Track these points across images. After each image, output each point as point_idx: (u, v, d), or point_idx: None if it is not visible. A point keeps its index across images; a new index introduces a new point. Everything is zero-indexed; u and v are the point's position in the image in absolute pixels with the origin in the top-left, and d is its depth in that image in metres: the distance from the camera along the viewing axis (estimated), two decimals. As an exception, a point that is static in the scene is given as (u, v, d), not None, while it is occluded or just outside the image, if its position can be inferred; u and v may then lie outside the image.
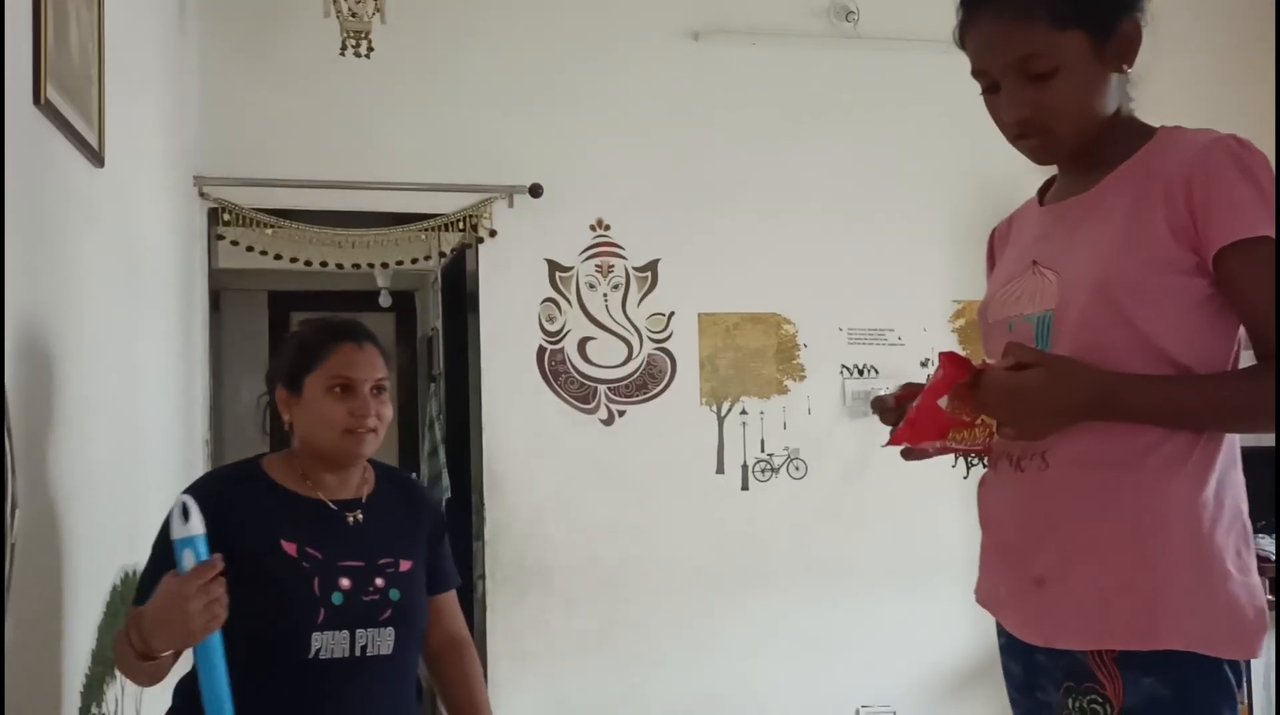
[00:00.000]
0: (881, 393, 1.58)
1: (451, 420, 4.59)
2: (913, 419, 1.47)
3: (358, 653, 1.68)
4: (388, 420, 1.82)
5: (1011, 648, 1.54)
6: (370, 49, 3.28)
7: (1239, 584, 1.38)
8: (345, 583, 1.71)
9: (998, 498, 1.52)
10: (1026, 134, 1.47)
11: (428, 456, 4.76)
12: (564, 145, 3.90)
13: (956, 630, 4.04)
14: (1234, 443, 1.45)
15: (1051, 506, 1.43)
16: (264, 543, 1.66)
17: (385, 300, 5.20)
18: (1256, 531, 4.36)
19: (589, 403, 3.90)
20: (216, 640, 1.49)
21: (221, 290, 3.87)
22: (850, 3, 4.06)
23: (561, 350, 3.88)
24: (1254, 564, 1.43)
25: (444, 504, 4.58)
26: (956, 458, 3.96)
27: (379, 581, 1.75)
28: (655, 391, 3.95)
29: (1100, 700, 1.37)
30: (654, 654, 3.88)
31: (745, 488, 4.01)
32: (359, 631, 1.69)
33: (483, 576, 3.88)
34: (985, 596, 1.59)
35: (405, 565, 1.81)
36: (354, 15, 3.10)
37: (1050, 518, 1.43)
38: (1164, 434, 1.38)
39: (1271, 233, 1.33)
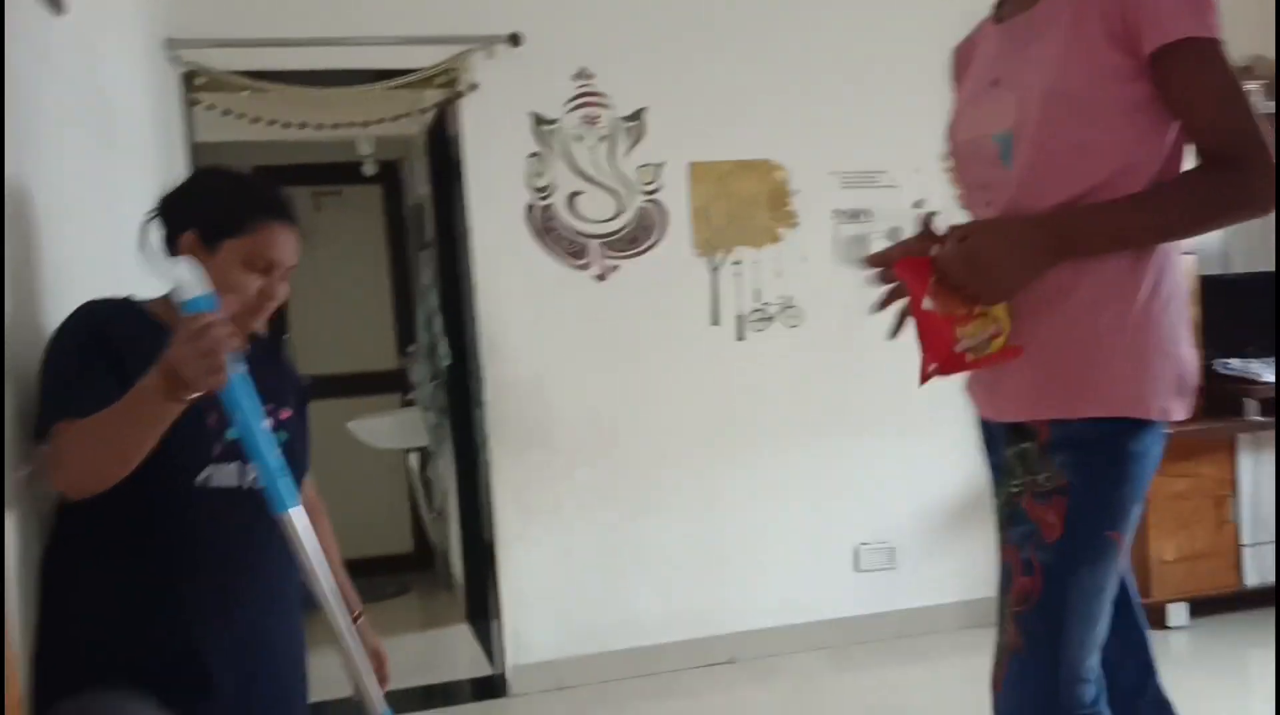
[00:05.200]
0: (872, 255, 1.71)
1: (445, 287, 4.57)
2: (923, 343, 1.59)
3: (246, 485, 1.67)
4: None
5: (980, 422, 1.79)
6: (335, -106, 3.15)
7: (1168, 355, 1.55)
8: None
9: None
10: None
11: (424, 325, 4.76)
12: (543, -10, 3.78)
13: (952, 468, 4.10)
14: None
15: (1016, 302, 1.57)
16: None
17: (370, 169, 5.12)
18: (1246, 356, 4.38)
19: (581, 259, 3.87)
20: (240, 377, 1.50)
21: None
22: None
23: (551, 206, 3.84)
24: (1186, 340, 1.59)
25: (444, 371, 4.60)
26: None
27: (267, 422, 1.72)
28: (648, 245, 3.92)
29: (1032, 441, 1.59)
30: (657, 504, 3.94)
31: (741, 338, 4.01)
32: (248, 466, 1.67)
33: (485, 441, 3.91)
34: (968, 387, 1.79)
35: (285, 413, 1.81)
36: None
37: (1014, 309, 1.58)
38: None
39: (1197, 33, 1.43)
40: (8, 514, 1.45)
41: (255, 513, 1.66)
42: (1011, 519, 1.63)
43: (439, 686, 4.13)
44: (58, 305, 1.74)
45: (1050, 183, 1.53)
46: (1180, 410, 1.57)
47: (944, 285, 1.54)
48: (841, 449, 4.07)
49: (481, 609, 4.32)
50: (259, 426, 1.55)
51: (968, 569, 4.14)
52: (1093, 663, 1.57)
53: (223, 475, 1.65)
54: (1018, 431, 1.62)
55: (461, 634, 4.68)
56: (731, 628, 3.99)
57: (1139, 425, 1.53)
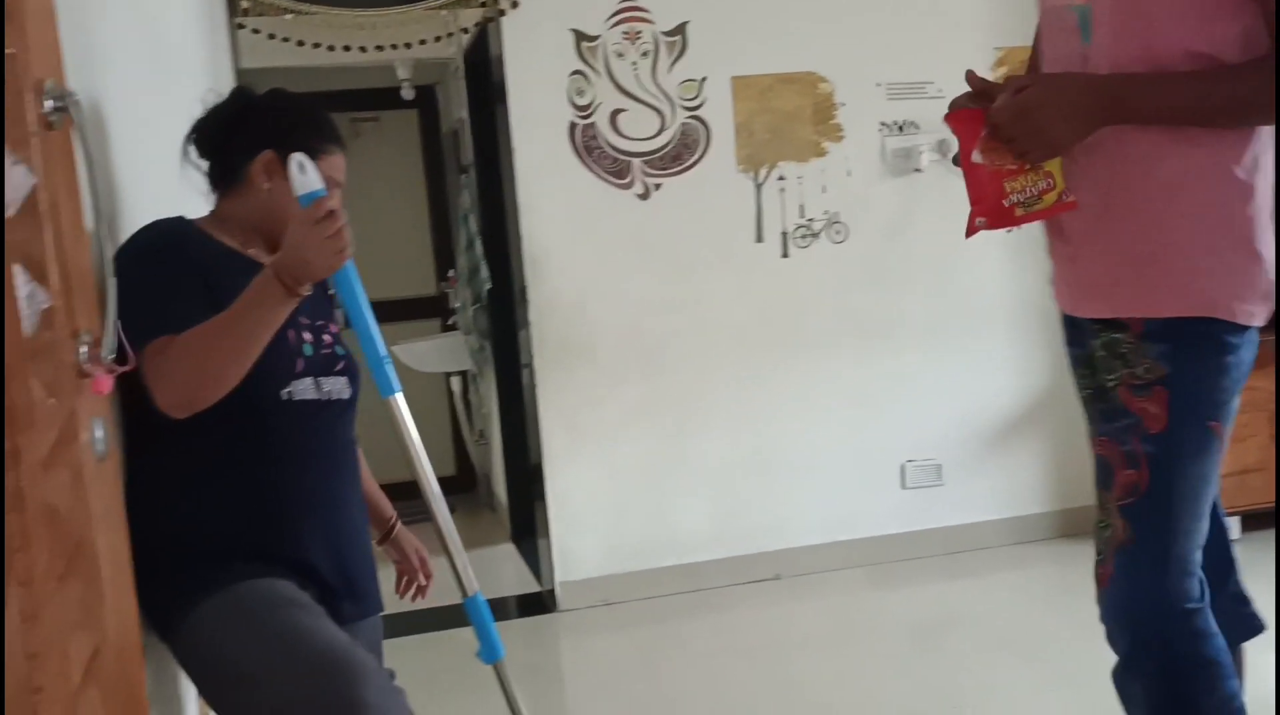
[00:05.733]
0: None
1: (486, 209, 4.56)
2: (971, 196, 1.58)
3: (323, 397, 1.77)
4: None
5: (1063, 316, 1.76)
6: None
7: (1257, 258, 1.52)
8: (308, 336, 1.78)
9: None
10: None
11: (464, 250, 4.77)
12: (581, -98, 3.71)
13: (999, 383, 4.08)
14: (1269, 132, 1.53)
15: (1083, 189, 1.56)
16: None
17: (408, 93, 5.09)
18: None
19: (624, 178, 3.85)
20: (351, 267, 1.66)
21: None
22: None
23: (593, 124, 3.80)
24: (1272, 244, 1.54)
25: (485, 294, 4.61)
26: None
27: (327, 338, 1.82)
28: (691, 162, 3.89)
29: (1124, 332, 1.56)
30: (702, 422, 3.96)
31: (785, 255, 3.98)
32: (321, 380, 1.77)
33: (529, 365, 3.93)
34: (1052, 280, 1.76)
35: (334, 327, 1.89)
36: None
37: (1083, 198, 1.57)
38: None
39: None
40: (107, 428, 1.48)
41: (332, 422, 1.78)
42: (1107, 413, 1.61)
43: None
44: (128, 220, 1.76)
45: (1123, 60, 1.51)
46: (1262, 316, 1.55)
47: (995, 138, 1.54)
48: (888, 366, 4.05)
49: (528, 528, 4.38)
50: (368, 310, 1.71)
51: (1014, 485, 4.14)
52: (1197, 556, 1.57)
53: (303, 388, 1.73)
54: (1107, 322, 1.60)
55: (507, 553, 4.75)
56: (777, 545, 4.03)
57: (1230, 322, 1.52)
